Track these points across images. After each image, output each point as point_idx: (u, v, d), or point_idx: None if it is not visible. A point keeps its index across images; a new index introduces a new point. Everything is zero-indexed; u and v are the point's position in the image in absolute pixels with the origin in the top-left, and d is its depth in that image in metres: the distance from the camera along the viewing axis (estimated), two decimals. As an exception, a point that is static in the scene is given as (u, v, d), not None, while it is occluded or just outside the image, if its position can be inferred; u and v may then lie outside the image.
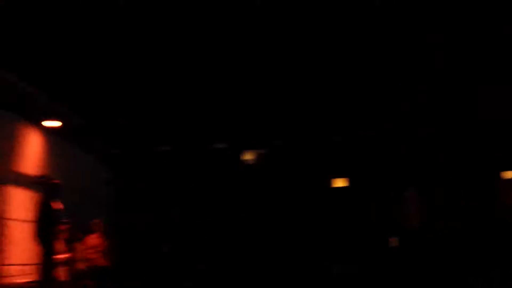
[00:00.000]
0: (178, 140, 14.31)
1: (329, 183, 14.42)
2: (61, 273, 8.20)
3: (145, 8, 6.85)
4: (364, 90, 10.28)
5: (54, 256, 7.64)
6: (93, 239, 9.42)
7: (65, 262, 8.54)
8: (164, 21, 7.27)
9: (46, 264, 7.34)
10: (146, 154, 13.88)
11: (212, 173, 14.87)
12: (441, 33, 7.83)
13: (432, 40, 8.03)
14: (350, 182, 14.43)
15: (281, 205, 13.97)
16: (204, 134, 14.21)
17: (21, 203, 8.94)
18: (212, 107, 11.63)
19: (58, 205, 7.57)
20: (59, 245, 8.06)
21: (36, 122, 9.45)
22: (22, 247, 8.63)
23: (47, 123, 9.67)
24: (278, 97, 11.05)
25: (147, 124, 12.47)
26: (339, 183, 14.42)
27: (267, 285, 10.42)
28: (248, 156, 16.04)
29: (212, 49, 8.28)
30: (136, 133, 12.61)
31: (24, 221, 8.55)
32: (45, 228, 7.32)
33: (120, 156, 13.25)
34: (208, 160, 15.09)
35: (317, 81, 9.88)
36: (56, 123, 9.72)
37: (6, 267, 8.18)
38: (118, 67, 8.68)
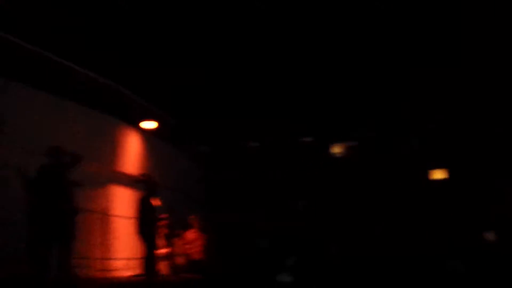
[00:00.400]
0: (266, 136, 14.35)
1: (426, 175, 13.56)
2: (162, 267, 8.57)
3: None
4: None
5: (156, 251, 8.04)
6: (191, 235, 9.74)
7: (165, 257, 8.93)
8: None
9: (149, 258, 7.73)
10: (236, 150, 14.10)
11: (301, 168, 14.67)
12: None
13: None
14: (450, 173, 13.46)
15: (374, 200, 13.39)
16: (292, 127, 14.08)
17: (124, 201, 9.48)
18: (298, 99, 11.49)
19: (157, 202, 7.93)
20: (160, 240, 8.47)
21: (134, 124, 9.98)
22: (126, 242, 9.16)
23: (144, 125, 10.19)
24: (366, 86, 10.61)
25: (235, 122, 12.67)
26: (438, 175, 13.51)
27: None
28: (337, 149, 15.64)
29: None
30: (226, 131, 12.86)
31: (127, 217, 9.06)
32: (146, 224, 7.70)
33: (211, 154, 13.60)
34: (296, 154, 14.91)
35: (404, 67, 9.33)
36: (153, 124, 10.20)
37: (111, 261, 8.70)
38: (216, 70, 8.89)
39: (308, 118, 13.58)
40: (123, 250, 9.08)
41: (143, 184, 8.12)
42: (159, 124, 10.29)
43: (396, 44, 8.49)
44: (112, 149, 9.02)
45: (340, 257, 11.87)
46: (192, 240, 9.63)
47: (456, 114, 12.42)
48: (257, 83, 10.25)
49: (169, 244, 8.98)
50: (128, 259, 9.00)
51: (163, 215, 8.27)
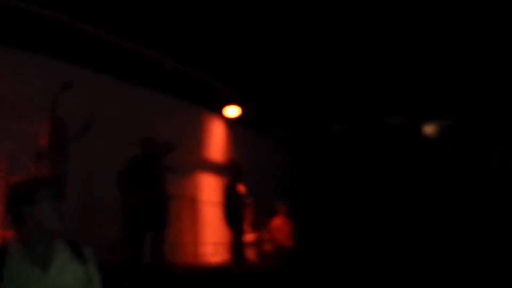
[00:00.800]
0: (352, 118, 13.83)
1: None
2: (250, 254, 8.63)
3: None
4: None
5: (243, 237, 8.10)
6: (278, 221, 9.69)
7: (253, 243, 8.98)
8: None
9: (236, 245, 7.81)
10: (320, 134, 13.76)
11: (389, 151, 13.92)
12: None
13: None
14: None
15: (472, 185, 12.28)
16: (378, 107, 13.41)
17: (211, 187, 9.69)
18: (384, 74, 10.88)
19: (242, 189, 7.96)
20: (247, 226, 8.52)
21: (219, 112, 10.10)
22: (214, 228, 9.37)
23: (228, 112, 10.27)
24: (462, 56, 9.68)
25: (318, 105, 12.33)
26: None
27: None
28: (430, 130, 14.66)
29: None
30: (309, 115, 12.57)
31: (214, 203, 9.25)
32: (233, 210, 7.77)
33: (296, 139, 13.41)
34: (383, 137, 14.20)
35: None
36: (236, 111, 10.23)
37: (201, 246, 8.96)
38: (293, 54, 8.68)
39: (397, 95, 12.78)
40: (212, 236, 9.31)
41: (229, 170, 8.20)
42: (243, 111, 10.30)
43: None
44: (198, 137, 9.24)
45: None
46: (279, 226, 9.57)
47: None
48: (340, 61, 9.78)
49: (256, 231, 9.00)
50: (217, 244, 9.21)
51: (249, 201, 8.29)
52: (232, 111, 10.24)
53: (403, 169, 13.23)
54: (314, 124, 13.29)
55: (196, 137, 9.18)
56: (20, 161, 5.77)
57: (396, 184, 12.89)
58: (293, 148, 13.11)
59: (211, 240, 9.27)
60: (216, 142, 9.90)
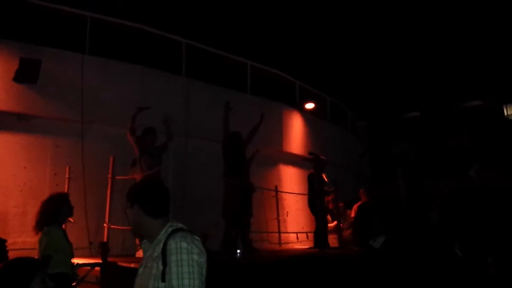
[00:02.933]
0: (427, 104, 13.59)
1: None
2: (331, 241, 8.90)
3: None
4: None
5: (325, 224, 8.39)
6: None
7: (334, 230, 9.23)
8: None
9: (320, 232, 8.12)
10: (395, 122, 13.68)
11: (469, 134, 13.49)
12: None
13: None
14: None
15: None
16: (454, 92, 13.07)
17: (292, 179, 10.09)
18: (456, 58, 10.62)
19: (324, 178, 8.26)
20: (328, 214, 8.79)
21: (297, 107, 10.46)
22: (295, 217, 9.77)
23: (305, 106, 10.61)
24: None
25: (392, 93, 12.28)
26: None
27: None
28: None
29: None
30: (384, 103, 12.56)
31: (295, 193, 9.64)
32: (317, 199, 8.09)
33: (372, 128, 13.43)
34: (462, 120, 13.79)
35: None
36: (312, 105, 10.55)
37: (285, 235, 9.37)
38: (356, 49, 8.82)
39: (475, 78, 12.40)
40: (294, 225, 9.70)
41: (311, 161, 8.52)
42: (318, 105, 10.60)
43: None
44: (279, 131, 9.62)
45: None
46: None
47: None
48: (412, 47, 9.72)
49: (337, 218, 9.23)
50: (298, 232, 9.60)
51: (330, 190, 8.55)
52: (309, 105, 10.57)
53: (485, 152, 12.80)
54: (390, 112, 13.25)
55: (278, 131, 9.57)
56: (125, 163, 6.46)
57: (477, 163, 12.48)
58: (370, 137, 13.15)
59: (293, 228, 9.65)
60: (296, 136, 10.24)
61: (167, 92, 7.57)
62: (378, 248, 4.13)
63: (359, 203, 9.60)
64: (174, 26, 7.66)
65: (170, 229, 2.27)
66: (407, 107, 14.15)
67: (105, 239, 5.93)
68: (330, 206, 8.93)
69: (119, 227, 5.97)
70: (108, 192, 6.16)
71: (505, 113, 14.38)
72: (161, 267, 2.16)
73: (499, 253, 6.18)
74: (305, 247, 8.88)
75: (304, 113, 10.75)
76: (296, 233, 9.64)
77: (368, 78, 11.64)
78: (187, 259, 2.15)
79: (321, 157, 8.45)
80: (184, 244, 2.17)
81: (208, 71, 7.98)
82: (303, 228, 9.80)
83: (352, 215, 9.77)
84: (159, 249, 2.22)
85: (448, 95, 13.41)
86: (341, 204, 9.51)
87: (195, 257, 2.17)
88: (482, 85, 13.11)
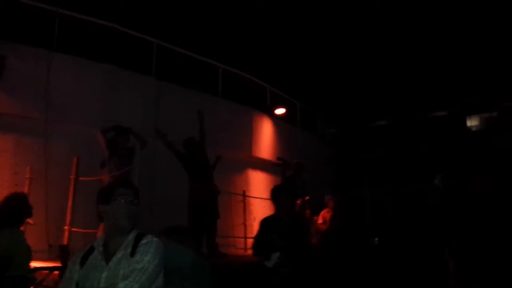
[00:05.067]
0: (395, 113, 13.89)
1: None
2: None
3: None
4: None
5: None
6: (326, 214, 9.96)
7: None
8: None
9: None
10: (363, 130, 13.92)
11: (434, 144, 13.89)
12: None
13: None
14: None
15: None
16: (421, 102, 13.44)
17: (260, 184, 10.10)
18: (424, 69, 10.94)
19: (300, 185, 8.28)
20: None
21: (267, 112, 10.50)
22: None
23: (275, 111, 10.66)
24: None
25: (362, 101, 12.50)
26: None
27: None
28: (474, 122, 14.51)
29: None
30: (353, 111, 12.77)
31: (262, 198, 9.66)
32: (290, 205, 8.08)
33: (340, 135, 13.63)
34: (428, 130, 14.16)
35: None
36: (282, 110, 10.62)
37: (251, 240, 9.32)
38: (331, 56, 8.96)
39: (440, 89, 12.77)
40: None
41: (282, 166, 8.54)
42: (288, 110, 10.68)
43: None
44: (249, 136, 9.63)
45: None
46: (327, 219, 9.83)
47: None
48: (381, 56, 9.95)
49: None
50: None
51: (303, 196, 8.58)
52: (279, 110, 10.63)
53: (448, 161, 13.18)
54: (358, 120, 13.47)
55: (247, 136, 9.58)
56: (89, 164, 6.32)
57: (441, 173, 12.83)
58: (338, 144, 13.34)
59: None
60: (265, 141, 10.28)
61: (136, 92, 7.46)
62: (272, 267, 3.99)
63: (326, 209, 9.72)
64: (146, 26, 7.57)
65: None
66: (376, 115, 14.42)
67: (65, 242, 5.78)
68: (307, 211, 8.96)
69: (81, 230, 5.83)
70: (71, 193, 6.00)
71: (468, 125, 14.90)
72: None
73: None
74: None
75: (274, 118, 10.81)
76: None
77: (338, 86, 11.80)
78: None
79: (294, 162, 8.48)
80: None
81: (180, 73, 7.92)
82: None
83: (320, 221, 9.88)
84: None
85: (415, 105, 13.75)
86: (308, 211, 9.59)
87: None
88: (447, 97, 13.52)
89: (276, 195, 4.52)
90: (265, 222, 4.51)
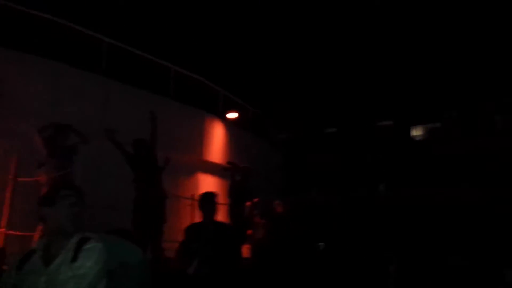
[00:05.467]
0: (344, 121, 14.27)
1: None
2: (245, 251, 8.96)
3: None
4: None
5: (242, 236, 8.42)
6: (271, 220, 10.04)
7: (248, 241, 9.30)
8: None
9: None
10: (314, 137, 14.19)
11: (379, 152, 14.40)
12: None
13: None
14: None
15: (459, 182, 12.79)
16: (369, 111, 13.90)
17: (210, 188, 10.03)
18: (373, 80, 11.35)
19: (249, 189, 8.29)
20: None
21: (218, 115, 10.46)
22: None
23: (228, 115, 10.65)
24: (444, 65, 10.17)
25: (312, 108, 12.75)
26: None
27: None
28: (418, 132, 15.17)
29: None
30: (304, 118, 13.00)
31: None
32: (236, 209, 8.10)
33: (290, 141, 13.82)
34: (374, 139, 14.67)
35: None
36: (234, 115, 10.62)
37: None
38: (284, 61, 9.09)
39: (386, 100, 13.28)
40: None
41: (230, 171, 8.53)
42: (240, 114, 10.71)
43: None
44: (200, 139, 9.56)
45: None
46: (273, 226, 9.90)
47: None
48: (332, 67, 10.22)
49: (251, 228, 9.30)
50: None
51: (250, 200, 8.60)
52: (231, 114, 10.63)
53: (392, 168, 13.71)
54: (308, 127, 13.73)
55: (197, 139, 9.51)
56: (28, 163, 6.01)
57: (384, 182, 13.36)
58: (288, 149, 13.52)
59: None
60: (216, 145, 10.24)
61: (83, 91, 7.20)
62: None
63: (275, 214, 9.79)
64: (96, 24, 7.34)
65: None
66: (326, 122, 14.75)
67: (0, 245, 5.47)
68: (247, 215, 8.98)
69: (18, 232, 5.54)
70: (8, 194, 5.70)
71: (412, 134, 15.57)
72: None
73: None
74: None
75: (227, 122, 10.80)
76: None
77: (291, 93, 11.97)
78: None
79: (243, 167, 8.49)
80: None
81: (130, 73, 7.74)
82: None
83: (270, 226, 9.93)
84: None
85: (363, 114, 14.19)
86: (257, 215, 9.62)
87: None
88: (393, 107, 14.06)
89: (202, 202, 4.52)
90: (189, 230, 4.50)
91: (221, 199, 8.61)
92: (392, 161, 14.01)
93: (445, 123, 14.45)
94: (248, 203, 8.55)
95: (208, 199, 4.54)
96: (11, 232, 5.60)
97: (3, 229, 5.60)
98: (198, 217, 9.32)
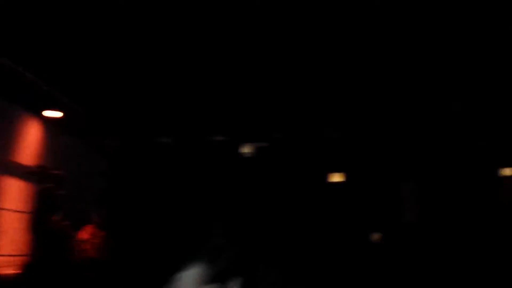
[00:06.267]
0: (178, 132, 14.25)
1: (326, 177, 14.35)
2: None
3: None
4: (360, 87, 10.07)
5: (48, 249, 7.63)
6: (88, 231, 9.42)
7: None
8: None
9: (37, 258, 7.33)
10: (145, 145, 13.84)
11: (211, 166, 14.78)
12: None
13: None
14: (347, 177, 14.34)
15: (279, 199, 13.87)
16: (204, 126, 14.15)
17: (15, 194, 8.93)
18: (211, 98, 11.56)
19: (57, 196, 7.58)
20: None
21: (35, 112, 9.41)
22: (13, 238, 8.62)
23: (47, 113, 9.62)
24: (277, 90, 10.89)
25: (145, 116, 12.42)
26: (336, 178, 14.33)
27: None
28: (247, 149, 15.98)
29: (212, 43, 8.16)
30: (135, 125, 12.57)
31: (16, 211, 8.54)
32: (41, 218, 7.34)
33: (118, 147, 13.23)
34: (207, 153, 15.00)
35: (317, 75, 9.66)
36: (56, 113, 9.67)
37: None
38: (118, 59, 8.63)
39: (220, 116, 13.66)
40: (9, 246, 8.54)
41: (39, 176, 7.75)
42: (64, 114, 9.80)
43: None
44: (8, 137, 8.46)
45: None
46: (88, 236, 9.32)
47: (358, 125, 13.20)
48: (168, 76, 10.10)
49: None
50: (14, 255, 8.48)
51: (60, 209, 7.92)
52: (53, 113, 9.64)
53: (223, 182, 14.16)
54: (140, 134, 13.32)
55: (4, 136, 8.41)
56: None
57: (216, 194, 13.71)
58: (115, 157, 12.89)
59: (8, 251, 8.50)
60: (29, 145, 9.19)
61: None
62: None
63: (90, 225, 9.26)
64: None
65: None
66: (160, 132, 14.51)
67: None
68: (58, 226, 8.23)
69: None
70: None
71: (241, 151, 16.31)
72: None
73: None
74: (17, 271, 7.89)
75: (47, 121, 9.79)
76: (11, 256, 8.48)
77: (124, 97, 11.40)
78: None
79: (54, 172, 7.78)
80: None
81: None
82: (21, 251, 8.69)
83: (86, 236, 9.35)
84: None
85: (196, 127, 14.36)
86: (73, 226, 8.95)
87: None
88: (225, 123, 14.55)
89: None
90: None
91: (27, 206, 7.77)
92: (223, 175, 14.48)
93: (273, 143, 15.54)
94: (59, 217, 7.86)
95: None
96: None
97: None
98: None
